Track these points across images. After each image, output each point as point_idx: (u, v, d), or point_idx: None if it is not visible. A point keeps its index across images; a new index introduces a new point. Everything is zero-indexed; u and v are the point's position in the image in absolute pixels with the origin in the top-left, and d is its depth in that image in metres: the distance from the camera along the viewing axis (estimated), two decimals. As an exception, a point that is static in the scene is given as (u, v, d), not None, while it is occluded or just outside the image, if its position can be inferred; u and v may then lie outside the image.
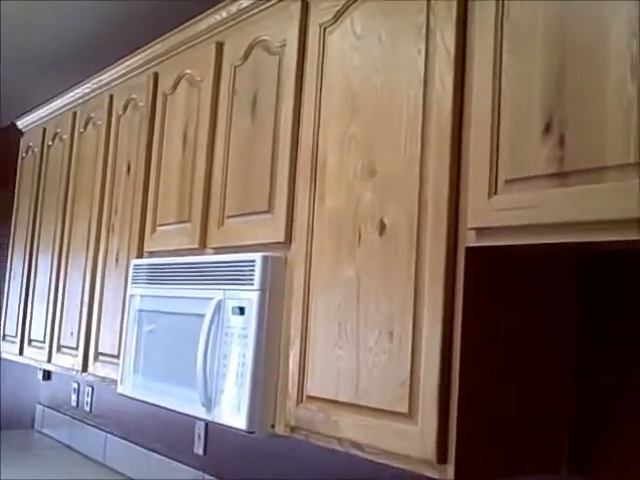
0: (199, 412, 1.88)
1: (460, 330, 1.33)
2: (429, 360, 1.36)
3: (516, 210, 1.23)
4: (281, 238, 1.77)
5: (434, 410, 1.34)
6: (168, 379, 2.03)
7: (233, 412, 1.77)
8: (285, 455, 2.25)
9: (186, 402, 1.93)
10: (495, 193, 1.28)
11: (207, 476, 2.56)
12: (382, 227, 1.50)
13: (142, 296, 2.22)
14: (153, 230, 2.34)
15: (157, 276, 2.16)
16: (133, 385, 2.21)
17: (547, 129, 1.19)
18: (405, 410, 1.40)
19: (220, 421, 1.81)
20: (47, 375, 3.91)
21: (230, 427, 1.79)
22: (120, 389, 2.27)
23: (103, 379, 2.55)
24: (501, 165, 1.27)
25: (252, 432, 1.74)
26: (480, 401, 1.36)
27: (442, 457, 1.34)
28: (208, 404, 1.84)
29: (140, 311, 2.23)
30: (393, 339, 1.44)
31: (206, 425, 2.61)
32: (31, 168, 3.47)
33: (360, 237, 1.55)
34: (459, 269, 1.35)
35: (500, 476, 1.41)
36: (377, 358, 1.47)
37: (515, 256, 1.40)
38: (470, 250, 1.34)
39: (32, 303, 3.26)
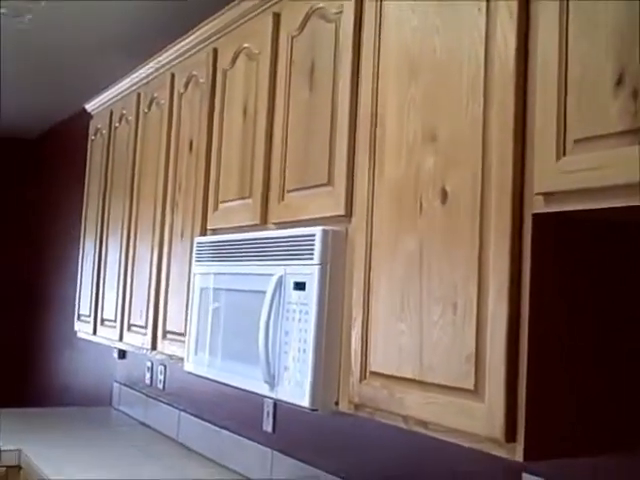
0: (262, 389, 1.85)
1: (528, 301, 1.26)
2: (495, 333, 1.29)
3: (587, 172, 1.14)
4: (341, 211, 1.72)
5: (501, 386, 1.27)
6: (232, 357, 2.01)
7: (296, 389, 1.73)
8: (353, 433, 2.21)
9: (250, 379, 1.91)
10: (563, 154, 1.19)
11: (276, 453, 2.55)
12: (444, 195, 1.43)
13: (205, 274, 2.21)
14: (216, 207, 2.32)
15: (219, 253, 2.14)
16: (199, 363, 2.20)
17: (619, 82, 1.09)
18: (471, 387, 1.33)
19: (283, 398, 1.78)
20: (122, 354, 3.98)
21: (293, 405, 1.75)
22: (186, 367, 2.27)
23: (171, 357, 2.56)
24: (569, 124, 1.18)
25: (315, 410, 1.71)
26: (551, 376, 1.28)
27: (510, 435, 1.27)
28: (271, 381, 1.81)
29: (203, 289, 2.21)
30: (457, 311, 1.37)
31: (275, 403, 2.59)
32: (99, 150, 3.50)
33: (421, 206, 1.48)
34: (525, 237, 1.27)
35: (572, 455, 1.33)
36: (441, 332, 1.41)
37: (585, 222, 1.31)
38: (537, 217, 1.26)
39: (104, 283, 3.30)
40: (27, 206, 5.85)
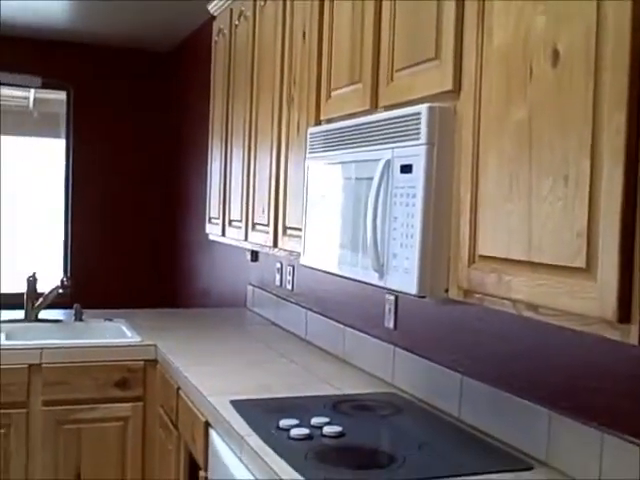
0: (372, 278, 1.80)
1: (647, 167, 1.12)
2: (609, 205, 1.16)
3: None
4: (449, 86, 1.60)
5: (615, 263, 1.15)
6: (343, 247, 1.97)
7: (404, 277, 1.66)
8: (472, 327, 2.13)
9: (360, 269, 1.86)
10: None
11: (397, 349, 2.52)
12: (555, 56, 1.28)
13: (317, 165, 2.16)
14: (328, 96, 2.24)
15: (330, 143, 2.07)
16: (313, 255, 2.18)
17: None
18: (583, 265, 1.22)
19: (392, 286, 1.73)
20: (254, 257, 4.05)
21: (402, 292, 1.69)
22: (302, 260, 2.26)
23: (291, 253, 2.56)
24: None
25: (423, 297, 1.64)
26: (672, 251, 1.14)
27: (624, 316, 1.15)
28: (380, 270, 1.76)
29: (316, 180, 2.17)
30: (568, 184, 1.25)
31: (396, 299, 2.55)
32: (222, 52, 3.49)
33: (531, 71, 1.34)
34: (646, 94, 1.12)
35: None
36: (551, 208, 1.29)
37: None
38: (660, 67, 1.10)
39: (230, 185, 3.34)
40: (167, 114, 6.01)
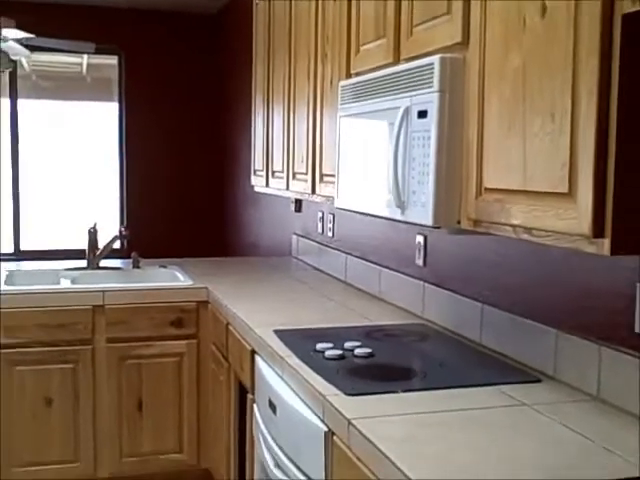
0: (395, 214, 2.01)
1: (616, 103, 1.30)
2: (586, 136, 1.35)
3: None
4: (458, 38, 1.79)
5: (590, 187, 1.35)
6: (370, 188, 2.18)
7: (421, 210, 1.87)
8: (490, 260, 2.34)
9: (385, 206, 2.07)
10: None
11: (427, 284, 2.73)
12: (543, 10, 1.47)
13: (347, 115, 2.36)
14: (357, 51, 2.44)
15: (359, 94, 2.27)
16: (345, 198, 2.40)
17: None
18: (566, 190, 1.42)
19: (411, 220, 1.94)
20: (298, 208, 4.29)
21: (420, 225, 1.90)
22: (336, 203, 2.48)
23: (327, 198, 2.78)
24: None
25: (438, 227, 1.85)
26: (638, 177, 1.33)
27: (599, 231, 1.35)
28: (401, 205, 1.97)
29: (346, 129, 2.38)
30: (555, 120, 1.44)
31: (425, 240, 2.75)
32: (263, 12, 3.68)
33: (525, 23, 1.53)
34: (615, 39, 1.30)
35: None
36: (541, 142, 1.48)
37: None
38: (626, 17, 1.28)
39: (272, 139, 3.56)
40: (213, 75, 6.24)
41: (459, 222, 1.84)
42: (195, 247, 5.76)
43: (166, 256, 4.22)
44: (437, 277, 2.68)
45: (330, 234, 3.77)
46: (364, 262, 3.31)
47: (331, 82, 2.70)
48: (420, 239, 2.79)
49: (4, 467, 3.22)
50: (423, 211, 1.87)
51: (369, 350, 2.20)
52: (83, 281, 3.62)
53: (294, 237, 4.39)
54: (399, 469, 1.44)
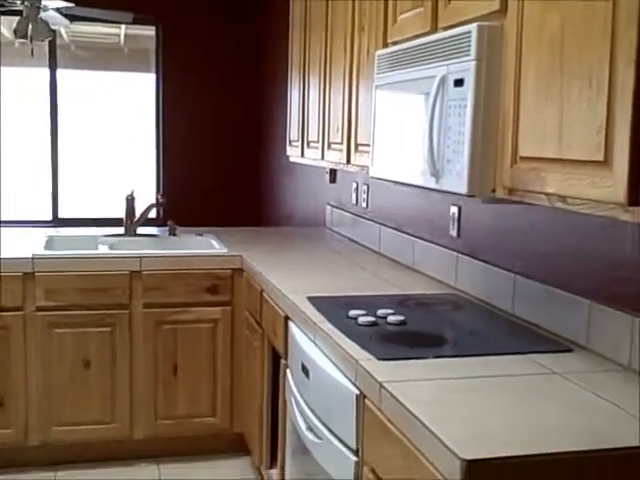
0: (429, 182, 2.03)
1: (655, 70, 1.30)
2: (622, 104, 1.35)
3: None
4: (496, 6, 1.79)
5: (626, 155, 1.35)
6: (405, 157, 2.19)
7: (456, 179, 1.89)
8: (523, 229, 2.34)
9: (420, 175, 2.08)
10: None
11: (460, 255, 2.74)
12: (583, -25, 1.46)
13: (383, 84, 2.37)
14: (394, 20, 2.44)
15: (395, 63, 2.28)
16: (380, 167, 2.41)
17: None
18: (601, 158, 1.42)
19: (445, 188, 1.95)
20: (333, 179, 4.31)
21: (454, 193, 1.92)
22: (371, 172, 2.49)
23: (362, 168, 2.80)
24: None
25: (472, 195, 1.86)
26: (676, 143, 1.33)
27: (634, 200, 1.35)
28: (436, 174, 1.98)
29: (382, 98, 2.38)
30: (592, 86, 1.44)
31: (459, 210, 2.76)
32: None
33: (564, -11, 1.52)
34: (655, 8, 1.30)
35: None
36: (577, 109, 1.49)
37: None
38: (667, -17, 1.28)
39: (307, 110, 3.57)
40: (250, 47, 6.25)
41: (494, 190, 1.84)
42: (230, 217, 5.81)
43: (201, 225, 4.27)
44: (470, 248, 2.69)
45: (364, 205, 3.79)
46: (398, 233, 3.33)
47: (368, 52, 2.71)
48: (454, 210, 2.79)
49: (44, 426, 3.32)
50: (458, 179, 1.88)
51: (402, 318, 2.23)
52: (121, 247, 3.68)
53: (328, 208, 4.42)
54: (430, 430, 1.47)
